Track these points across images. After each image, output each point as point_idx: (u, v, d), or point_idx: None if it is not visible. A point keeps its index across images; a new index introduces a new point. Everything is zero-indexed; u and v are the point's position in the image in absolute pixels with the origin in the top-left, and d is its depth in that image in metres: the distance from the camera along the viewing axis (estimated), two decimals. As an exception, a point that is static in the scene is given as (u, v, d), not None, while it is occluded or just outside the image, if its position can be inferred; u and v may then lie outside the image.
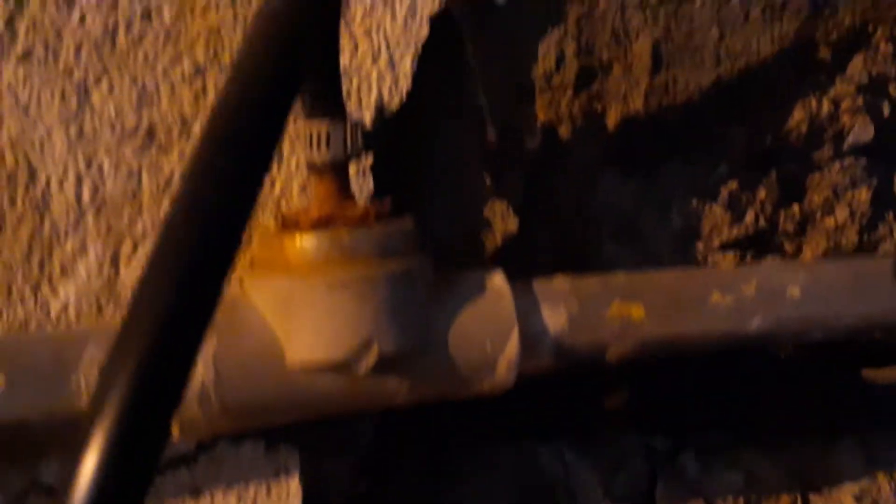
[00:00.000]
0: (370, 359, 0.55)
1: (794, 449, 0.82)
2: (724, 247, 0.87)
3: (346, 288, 0.54)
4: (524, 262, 0.80)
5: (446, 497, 0.77)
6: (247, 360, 0.54)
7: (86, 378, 0.52)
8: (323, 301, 0.54)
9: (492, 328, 0.59)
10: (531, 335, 0.60)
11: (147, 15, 0.61)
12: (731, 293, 0.65)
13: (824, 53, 0.84)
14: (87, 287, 0.60)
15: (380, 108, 0.66)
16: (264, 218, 0.62)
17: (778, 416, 0.85)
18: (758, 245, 0.87)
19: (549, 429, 0.79)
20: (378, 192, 0.66)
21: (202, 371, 0.52)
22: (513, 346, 0.59)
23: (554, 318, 0.61)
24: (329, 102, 0.57)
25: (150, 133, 0.62)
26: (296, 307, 0.54)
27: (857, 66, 0.86)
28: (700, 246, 0.86)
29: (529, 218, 0.79)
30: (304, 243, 0.55)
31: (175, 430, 0.53)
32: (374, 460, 0.71)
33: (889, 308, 0.69)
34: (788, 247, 0.89)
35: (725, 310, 0.65)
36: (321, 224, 0.56)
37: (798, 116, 0.85)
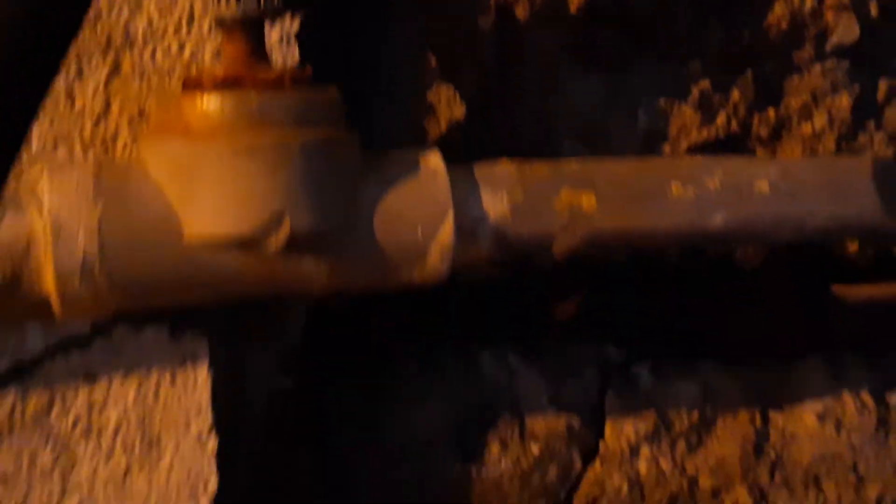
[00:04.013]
0: (281, 235, 0.49)
1: (755, 363, 0.77)
2: (693, 149, 0.81)
3: (255, 155, 0.48)
4: (473, 157, 0.74)
5: (384, 406, 0.72)
6: (137, 232, 0.48)
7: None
8: (227, 169, 0.48)
9: (424, 210, 0.53)
10: (468, 221, 0.55)
11: None
12: (692, 185, 0.60)
13: (810, -61, 0.77)
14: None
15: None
16: (172, 86, 0.55)
17: (740, 330, 0.80)
18: (728, 149, 0.81)
19: (494, 335, 0.74)
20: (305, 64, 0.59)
21: (84, 240, 0.46)
22: (447, 232, 0.54)
23: (495, 205, 0.56)
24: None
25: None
26: (196, 175, 0.48)
27: (844, -44, 0.79)
28: (667, 148, 0.81)
29: (483, 110, 0.73)
30: (207, 105, 0.49)
31: (56, 305, 0.47)
32: (304, 357, 0.66)
33: (865, 210, 0.63)
34: (761, 153, 0.84)
35: (686, 203, 0.59)
36: (227, 85, 0.49)
37: (779, 11, 0.79)
